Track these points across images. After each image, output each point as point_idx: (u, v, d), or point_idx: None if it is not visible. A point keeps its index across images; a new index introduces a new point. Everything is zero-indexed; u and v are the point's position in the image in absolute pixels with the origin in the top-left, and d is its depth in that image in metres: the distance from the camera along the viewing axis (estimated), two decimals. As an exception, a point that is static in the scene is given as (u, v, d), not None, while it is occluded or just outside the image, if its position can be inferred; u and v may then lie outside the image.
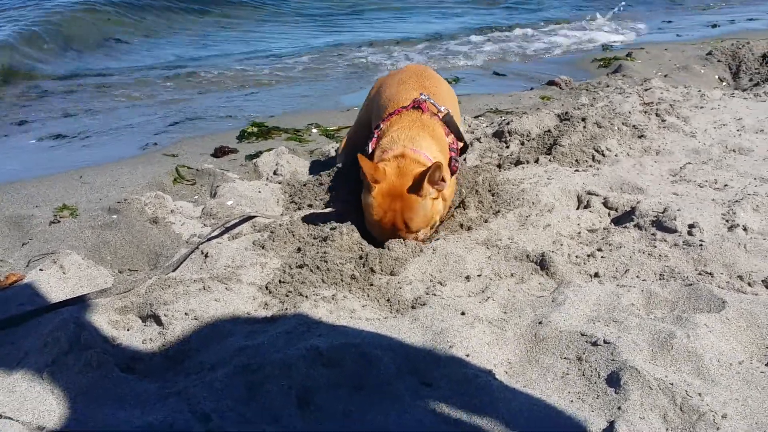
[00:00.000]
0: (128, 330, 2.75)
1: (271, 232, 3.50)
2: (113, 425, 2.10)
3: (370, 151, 3.69)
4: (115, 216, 3.81)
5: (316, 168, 4.75)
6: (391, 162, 3.43)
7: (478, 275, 3.11)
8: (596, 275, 3.09)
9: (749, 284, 2.94)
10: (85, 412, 2.18)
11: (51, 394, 2.26)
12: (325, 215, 3.66)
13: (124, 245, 3.58)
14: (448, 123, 3.83)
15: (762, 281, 2.94)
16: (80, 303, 2.84)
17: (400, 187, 3.34)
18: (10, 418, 2.14)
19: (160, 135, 6.10)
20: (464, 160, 4.63)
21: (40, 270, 3.13)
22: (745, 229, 3.40)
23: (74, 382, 2.30)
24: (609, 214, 3.79)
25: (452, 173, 3.71)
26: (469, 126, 5.69)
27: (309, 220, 3.61)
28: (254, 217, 3.73)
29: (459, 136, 3.93)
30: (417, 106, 3.80)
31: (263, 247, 3.37)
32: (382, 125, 3.80)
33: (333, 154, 5.07)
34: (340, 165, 4.38)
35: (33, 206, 4.11)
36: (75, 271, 3.17)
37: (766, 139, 5.09)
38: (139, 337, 2.68)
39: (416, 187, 3.31)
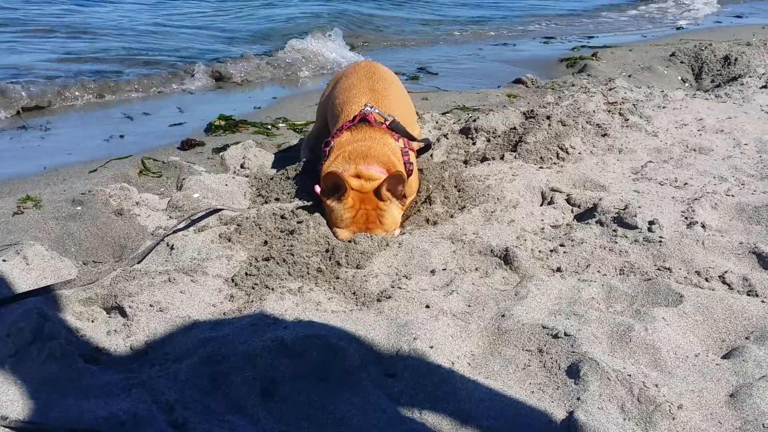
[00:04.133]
0: (92, 321, 2.73)
1: (238, 225, 3.50)
2: (76, 415, 2.10)
3: (322, 168, 3.72)
4: (79, 207, 3.78)
5: (283, 162, 4.74)
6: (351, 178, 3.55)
7: (443, 269, 3.15)
8: (558, 270, 3.15)
9: (706, 279, 3.01)
10: (49, 403, 2.17)
11: (14, 384, 2.24)
12: (292, 209, 3.67)
13: (89, 237, 3.55)
14: (395, 129, 3.91)
15: (719, 277, 3.02)
16: (44, 294, 2.82)
17: (368, 192, 3.49)
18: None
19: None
20: (431, 156, 4.66)
21: (3, 261, 3.09)
22: (703, 227, 3.48)
23: (37, 372, 2.29)
24: (572, 211, 3.85)
25: (408, 175, 3.82)
26: (437, 122, 5.73)
27: (276, 213, 3.61)
28: (221, 210, 3.72)
29: (409, 138, 4.00)
30: (363, 118, 3.86)
31: (229, 240, 3.37)
32: (332, 142, 3.86)
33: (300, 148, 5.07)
34: (304, 160, 4.40)
35: (-5, 197, 4.06)
36: (39, 262, 3.14)
37: (726, 139, 5.20)
38: (103, 329, 2.67)
39: (378, 196, 3.47)
